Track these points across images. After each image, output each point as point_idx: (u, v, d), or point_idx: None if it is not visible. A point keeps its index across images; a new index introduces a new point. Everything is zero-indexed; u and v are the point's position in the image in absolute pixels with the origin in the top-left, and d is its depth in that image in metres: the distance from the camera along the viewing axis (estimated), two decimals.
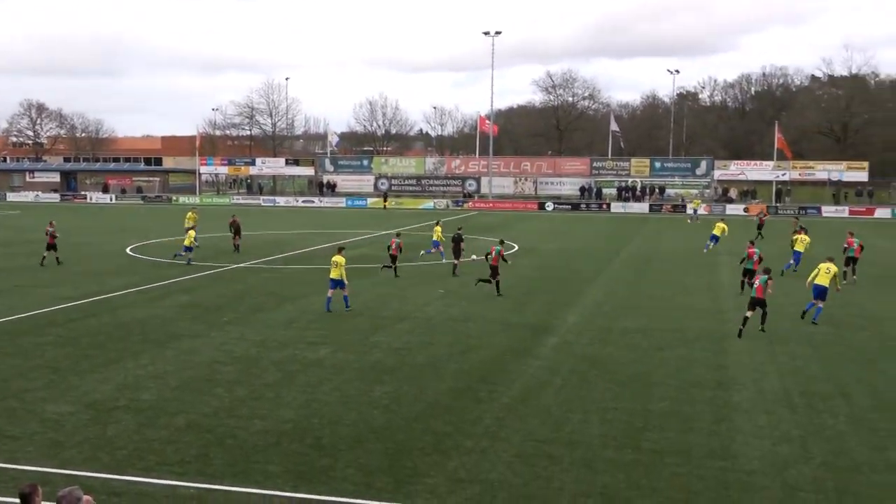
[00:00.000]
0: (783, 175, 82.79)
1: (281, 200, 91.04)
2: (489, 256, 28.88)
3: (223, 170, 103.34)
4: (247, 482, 11.79)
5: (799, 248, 34.21)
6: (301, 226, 60.17)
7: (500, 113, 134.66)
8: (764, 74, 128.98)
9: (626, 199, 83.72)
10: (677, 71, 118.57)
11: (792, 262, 34.02)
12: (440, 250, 37.01)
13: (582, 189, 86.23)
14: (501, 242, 30.81)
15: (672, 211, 78.92)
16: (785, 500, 11.44)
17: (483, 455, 13.04)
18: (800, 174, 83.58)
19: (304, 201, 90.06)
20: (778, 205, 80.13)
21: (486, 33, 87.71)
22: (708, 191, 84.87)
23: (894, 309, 26.42)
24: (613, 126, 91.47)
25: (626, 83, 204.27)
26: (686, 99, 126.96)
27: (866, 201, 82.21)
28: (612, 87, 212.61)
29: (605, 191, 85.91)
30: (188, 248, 36.07)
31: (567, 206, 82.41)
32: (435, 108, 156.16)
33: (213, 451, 13.01)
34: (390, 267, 32.58)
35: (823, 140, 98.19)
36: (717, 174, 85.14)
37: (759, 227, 49.34)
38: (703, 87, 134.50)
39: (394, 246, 32.68)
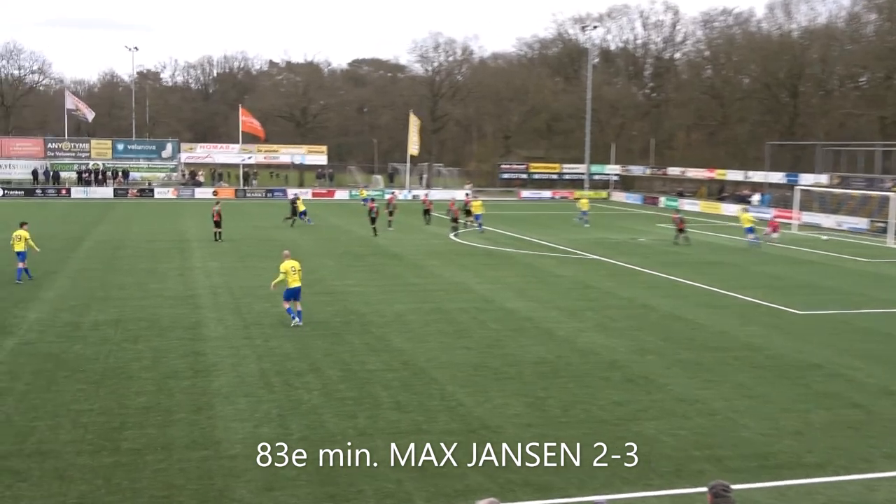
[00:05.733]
0: (249, 158, 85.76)
1: None
2: None
3: None
4: None
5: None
6: None
7: None
8: (225, 57, 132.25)
9: (88, 184, 79.79)
10: (136, 48, 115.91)
11: None
12: None
13: (35, 173, 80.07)
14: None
15: (139, 195, 77.17)
16: (268, 479, 11.93)
17: None
18: (265, 157, 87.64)
19: None
20: (246, 188, 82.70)
21: None
22: (175, 174, 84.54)
23: (353, 283, 29.00)
24: (69, 104, 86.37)
25: (82, 58, 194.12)
26: (147, 78, 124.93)
27: (327, 184, 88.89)
28: (65, 61, 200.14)
29: (63, 174, 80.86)
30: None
31: (19, 192, 75.95)
32: None
33: None
34: None
35: (285, 124, 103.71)
36: (184, 157, 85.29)
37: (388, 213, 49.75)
38: (165, 67, 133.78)
39: None
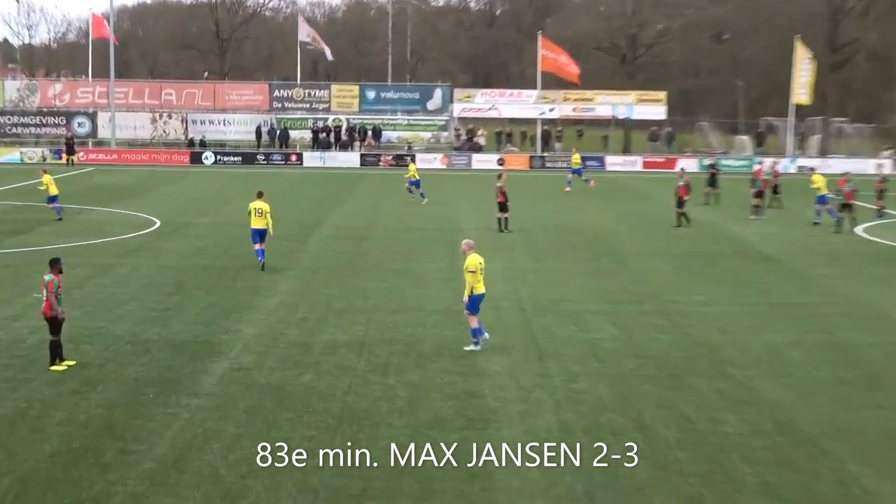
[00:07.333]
0: (551, 111, 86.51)
1: None
2: None
3: None
4: None
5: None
6: None
7: (126, 11, 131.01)
8: None
9: (327, 147, 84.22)
10: None
11: None
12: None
13: (259, 132, 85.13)
14: None
15: (394, 164, 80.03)
16: None
17: None
18: (574, 109, 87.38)
19: None
20: (545, 154, 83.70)
21: None
22: (446, 134, 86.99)
23: (702, 299, 28.64)
24: (303, 35, 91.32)
25: None
26: None
27: (663, 150, 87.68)
28: None
29: (293, 133, 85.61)
30: None
31: (236, 159, 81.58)
32: (18, 2, 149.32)
33: None
34: None
35: (604, 59, 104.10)
36: (458, 109, 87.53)
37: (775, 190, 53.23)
38: None
39: None
